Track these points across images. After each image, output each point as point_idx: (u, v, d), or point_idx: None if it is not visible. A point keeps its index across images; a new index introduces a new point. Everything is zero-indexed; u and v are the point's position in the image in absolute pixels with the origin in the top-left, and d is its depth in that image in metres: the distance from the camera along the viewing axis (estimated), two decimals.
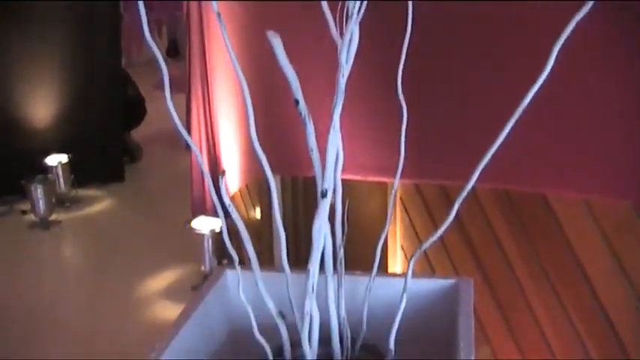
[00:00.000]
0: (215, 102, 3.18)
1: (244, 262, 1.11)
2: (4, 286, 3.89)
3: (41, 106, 5.13)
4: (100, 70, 5.24)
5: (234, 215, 1.04)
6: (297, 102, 0.99)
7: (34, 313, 3.54)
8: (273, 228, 3.05)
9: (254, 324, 1.06)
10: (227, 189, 1.02)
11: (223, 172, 1.02)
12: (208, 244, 3.40)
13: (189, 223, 3.38)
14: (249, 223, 3.45)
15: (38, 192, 4.60)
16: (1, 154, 5.01)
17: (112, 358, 3.04)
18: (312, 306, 1.01)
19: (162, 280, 3.78)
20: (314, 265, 1.00)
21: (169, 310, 3.41)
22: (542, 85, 0.90)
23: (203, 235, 3.37)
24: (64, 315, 3.54)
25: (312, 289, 1.00)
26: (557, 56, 0.87)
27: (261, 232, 3.14)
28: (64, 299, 3.72)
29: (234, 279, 1.33)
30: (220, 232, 3.26)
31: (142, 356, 1.07)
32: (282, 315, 1.08)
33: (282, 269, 1.07)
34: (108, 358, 3.05)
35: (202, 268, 3.46)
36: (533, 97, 0.91)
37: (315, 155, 1.00)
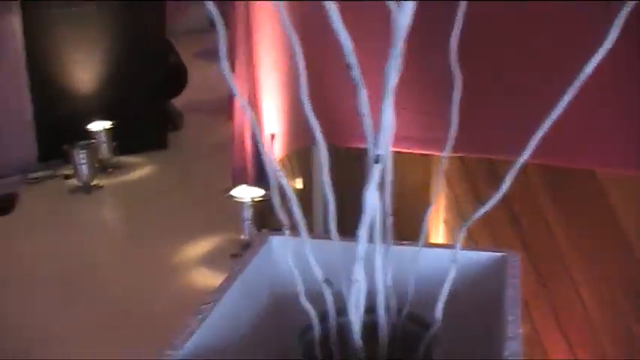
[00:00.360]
0: (258, 71, 3.17)
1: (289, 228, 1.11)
2: (46, 248, 3.97)
3: (87, 73, 5.19)
4: (145, 37, 5.27)
5: (282, 179, 1.03)
6: (349, 66, 0.98)
7: (73, 276, 3.61)
8: (314, 198, 3.05)
9: (301, 289, 1.05)
10: (273, 154, 1.01)
11: (273, 136, 1.02)
12: (248, 213, 3.41)
13: (229, 191, 3.39)
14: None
15: (81, 157, 4.68)
16: (47, 119, 5.10)
17: (149, 321, 3.08)
18: (360, 273, 1.00)
19: (201, 247, 3.81)
20: (364, 231, 0.99)
21: (207, 277, 3.44)
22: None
23: (243, 203, 3.38)
24: (102, 278, 3.60)
25: (361, 256, 1.00)
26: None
27: (302, 202, 3.13)
28: (103, 262, 3.78)
29: (278, 244, 1.33)
30: (261, 201, 3.29)
31: (181, 321, 1.08)
32: (328, 282, 1.08)
33: (328, 235, 1.06)
34: (145, 322, 3.09)
35: (242, 236, 3.48)
36: (585, 72, 0.88)
37: (368, 121, 0.99)
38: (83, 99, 5.23)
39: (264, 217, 3.41)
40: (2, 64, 4.93)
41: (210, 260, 3.64)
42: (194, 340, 1.01)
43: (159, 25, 5.38)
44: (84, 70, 5.20)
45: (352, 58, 0.97)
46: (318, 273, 1.07)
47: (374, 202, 0.98)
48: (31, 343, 3.02)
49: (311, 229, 1.06)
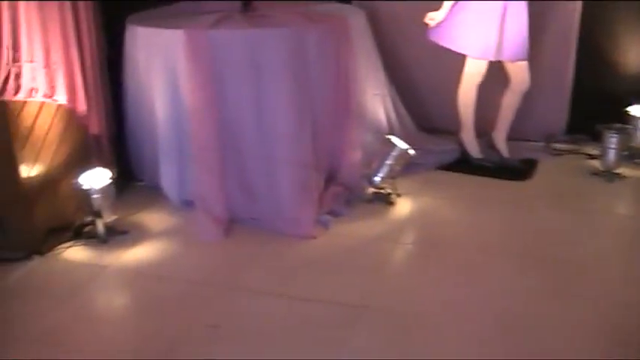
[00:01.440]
0: None
1: None
2: (546, 224, 3.86)
3: (636, 54, 4.87)
4: None
5: None
6: None
7: (564, 263, 3.41)
8: None
9: None
10: None
11: None
12: None
13: None
14: None
15: (612, 141, 4.38)
16: (584, 93, 4.95)
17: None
18: None
19: None
20: None
21: None
22: None
23: None
24: (593, 278, 3.29)
25: None
26: None
27: None
28: (601, 262, 3.44)
29: None
30: None
31: None
32: None
33: None
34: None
35: None
36: None
37: None
38: (627, 80, 4.90)
39: None
40: (556, 26, 4.85)
41: None
42: None
43: None
44: (634, 51, 4.87)
45: None
46: None
47: None
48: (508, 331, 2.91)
49: None
